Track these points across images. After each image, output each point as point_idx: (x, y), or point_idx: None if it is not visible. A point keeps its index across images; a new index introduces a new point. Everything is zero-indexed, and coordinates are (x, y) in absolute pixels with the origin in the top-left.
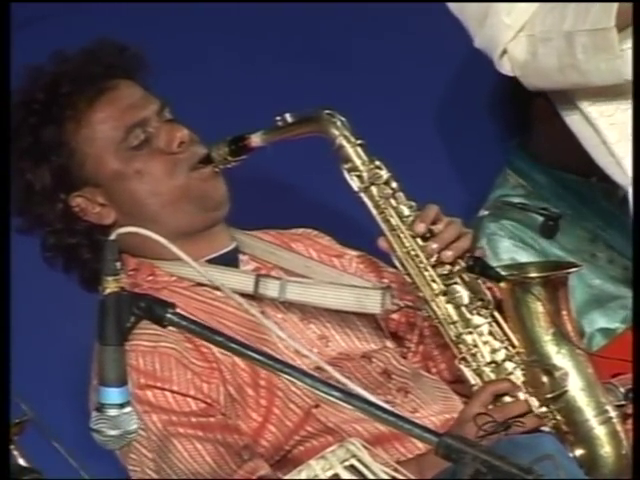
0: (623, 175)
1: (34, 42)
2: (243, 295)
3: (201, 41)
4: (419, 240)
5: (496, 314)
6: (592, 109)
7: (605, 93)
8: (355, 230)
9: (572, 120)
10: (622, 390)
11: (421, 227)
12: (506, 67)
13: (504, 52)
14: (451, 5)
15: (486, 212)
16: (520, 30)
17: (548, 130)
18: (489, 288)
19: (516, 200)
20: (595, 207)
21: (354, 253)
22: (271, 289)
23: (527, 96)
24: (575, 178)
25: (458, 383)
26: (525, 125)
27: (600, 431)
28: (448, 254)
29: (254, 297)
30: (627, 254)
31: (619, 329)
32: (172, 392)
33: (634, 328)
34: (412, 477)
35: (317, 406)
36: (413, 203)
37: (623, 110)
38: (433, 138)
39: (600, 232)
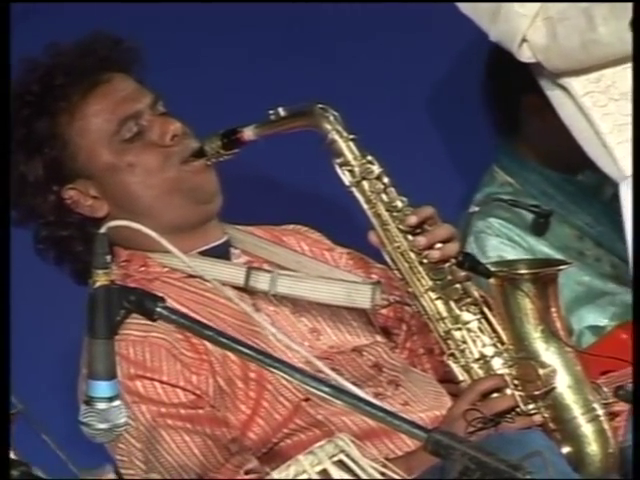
0: (614, 167)
1: (29, 35)
2: (235, 288)
3: (194, 35)
4: (409, 236)
5: (485, 310)
6: (586, 99)
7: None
8: (346, 224)
9: (566, 112)
10: (606, 390)
11: (412, 219)
12: (527, 55)
13: (523, 40)
14: (461, 5)
15: (476, 208)
16: (535, 16)
17: (538, 126)
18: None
19: (505, 198)
20: (583, 205)
21: (344, 250)
22: (262, 282)
23: (516, 93)
24: (563, 176)
25: (444, 383)
26: (513, 123)
27: (587, 429)
28: (435, 254)
29: (246, 290)
30: (616, 251)
31: (608, 326)
32: (161, 383)
33: (634, 328)
34: (401, 473)
35: (307, 399)
36: (404, 199)
37: (616, 100)
38: (429, 133)
39: (588, 230)
